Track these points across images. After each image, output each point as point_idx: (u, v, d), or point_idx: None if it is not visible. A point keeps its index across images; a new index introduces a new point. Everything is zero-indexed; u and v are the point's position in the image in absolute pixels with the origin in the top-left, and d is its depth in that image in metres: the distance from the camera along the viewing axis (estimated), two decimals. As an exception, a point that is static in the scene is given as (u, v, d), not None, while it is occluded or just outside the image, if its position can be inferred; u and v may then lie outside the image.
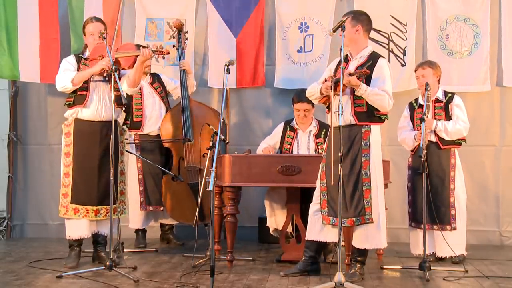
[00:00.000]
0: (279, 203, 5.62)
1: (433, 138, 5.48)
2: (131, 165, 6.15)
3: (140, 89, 6.09)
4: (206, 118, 6.03)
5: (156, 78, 6.29)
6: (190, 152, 6.06)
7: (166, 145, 6.13)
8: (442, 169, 5.47)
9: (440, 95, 5.58)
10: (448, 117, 5.51)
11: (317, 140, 5.83)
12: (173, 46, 6.30)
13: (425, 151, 5.35)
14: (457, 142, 5.52)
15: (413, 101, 5.69)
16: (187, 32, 6.32)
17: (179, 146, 6.10)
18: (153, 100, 6.21)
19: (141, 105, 6.13)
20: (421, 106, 5.55)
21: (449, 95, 5.59)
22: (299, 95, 5.71)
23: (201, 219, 5.84)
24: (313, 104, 5.53)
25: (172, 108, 6.25)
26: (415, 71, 5.69)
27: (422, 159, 5.02)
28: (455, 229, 5.42)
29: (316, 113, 5.99)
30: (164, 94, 6.30)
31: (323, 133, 5.83)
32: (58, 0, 6.73)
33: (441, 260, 5.45)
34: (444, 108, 5.53)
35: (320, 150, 5.72)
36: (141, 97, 6.14)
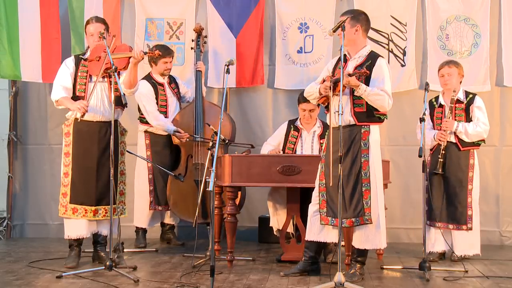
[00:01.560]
0: (281, 204, 5.62)
1: (452, 139, 5.48)
2: (141, 165, 6.16)
3: (163, 86, 6.22)
4: (218, 118, 6.04)
5: (172, 79, 6.38)
6: (199, 150, 6.09)
7: (175, 142, 6.16)
8: (461, 170, 5.47)
9: (461, 95, 5.55)
10: (469, 119, 5.50)
11: (321, 141, 5.81)
12: (191, 48, 6.43)
13: (443, 152, 5.43)
14: (477, 143, 5.52)
15: (433, 99, 5.65)
16: (206, 36, 6.45)
17: (188, 144, 6.13)
18: (171, 99, 6.27)
19: (166, 102, 6.19)
20: (441, 105, 5.55)
21: (470, 96, 5.57)
22: (304, 96, 5.73)
23: (204, 217, 5.87)
24: (318, 104, 5.52)
25: (185, 107, 6.31)
26: (440, 69, 5.64)
27: (422, 159, 5.03)
28: (471, 229, 5.44)
29: (321, 113, 5.97)
30: (179, 96, 6.38)
31: (326, 133, 5.82)
32: (58, 0, 6.74)
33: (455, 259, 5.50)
34: (465, 110, 5.52)
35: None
36: (165, 94, 6.21)
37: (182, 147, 6.18)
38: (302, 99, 5.74)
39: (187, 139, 6.08)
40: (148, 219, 6.18)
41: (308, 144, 5.83)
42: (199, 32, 6.34)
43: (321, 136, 5.81)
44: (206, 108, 6.23)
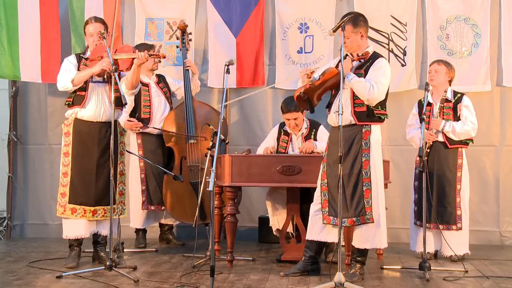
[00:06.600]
0: (280, 203, 5.62)
1: (440, 138, 5.50)
2: (134, 164, 6.15)
3: (148, 86, 6.15)
4: (209, 118, 6.05)
5: (161, 78, 6.33)
6: (193, 151, 6.08)
7: (168, 144, 6.14)
8: (450, 170, 5.49)
9: (449, 95, 5.57)
10: (457, 118, 5.51)
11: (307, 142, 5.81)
12: (177, 47, 6.37)
13: (428, 150, 5.46)
14: (465, 142, 5.54)
15: (422, 99, 5.66)
16: (190, 33, 6.38)
17: (181, 146, 6.11)
18: (159, 99, 6.23)
19: (150, 102, 6.15)
20: (429, 104, 5.56)
21: (458, 95, 5.59)
22: (287, 105, 5.65)
23: (202, 218, 5.85)
24: (302, 111, 5.53)
25: (176, 107, 6.28)
26: (430, 65, 5.71)
27: (423, 159, 5.05)
28: (460, 229, 5.46)
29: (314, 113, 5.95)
30: (169, 95, 6.33)
31: (313, 133, 5.82)
32: (58, 0, 6.74)
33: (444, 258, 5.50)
34: (453, 108, 5.53)
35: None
36: (149, 94, 6.16)
37: (175, 149, 6.13)
38: (285, 108, 5.68)
39: (140, 128, 6.02)
40: (142, 219, 6.13)
41: (298, 146, 5.82)
42: (183, 29, 6.26)
43: (306, 137, 5.79)
44: (196, 107, 6.19)
